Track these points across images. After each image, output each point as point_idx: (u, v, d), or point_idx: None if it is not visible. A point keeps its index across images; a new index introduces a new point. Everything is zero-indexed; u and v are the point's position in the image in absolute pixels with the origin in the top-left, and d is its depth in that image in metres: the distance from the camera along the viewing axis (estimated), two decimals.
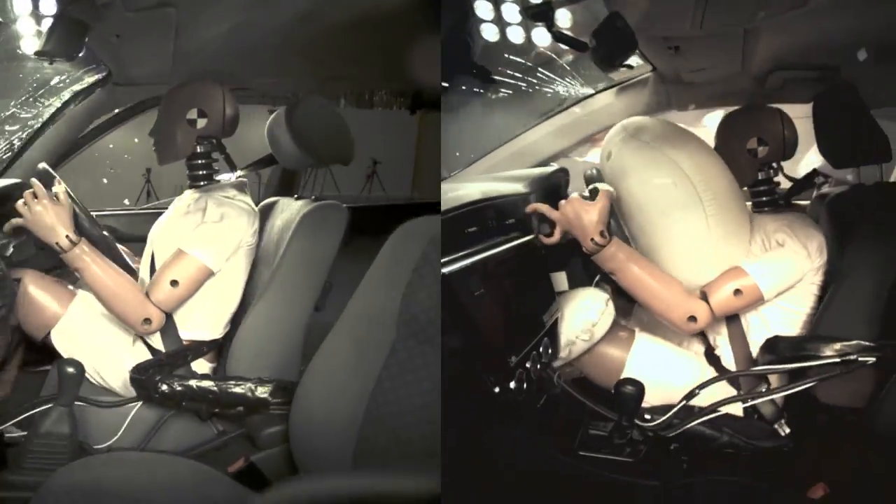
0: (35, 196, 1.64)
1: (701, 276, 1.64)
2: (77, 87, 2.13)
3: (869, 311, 1.59)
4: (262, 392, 1.64)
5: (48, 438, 1.52)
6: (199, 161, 1.88)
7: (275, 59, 2.05)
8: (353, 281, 1.31)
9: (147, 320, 1.70)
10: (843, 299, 1.62)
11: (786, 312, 1.67)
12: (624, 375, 1.65)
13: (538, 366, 1.46)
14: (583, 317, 1.65)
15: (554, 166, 1.96)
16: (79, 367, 1.55)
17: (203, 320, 1.82)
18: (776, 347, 1.60)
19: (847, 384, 1.52)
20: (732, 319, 1.68)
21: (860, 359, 1.48)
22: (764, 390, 1.62)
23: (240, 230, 1.80)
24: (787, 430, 1.62)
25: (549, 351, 1.55)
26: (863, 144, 1.77)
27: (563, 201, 1.58)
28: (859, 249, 1.66)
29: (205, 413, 1.69)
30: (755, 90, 1.97)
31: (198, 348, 1.82)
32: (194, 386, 1.63)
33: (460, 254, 1.30)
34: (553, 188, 1.78)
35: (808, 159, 2.08)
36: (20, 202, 1.64)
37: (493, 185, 1.60)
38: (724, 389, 1.65)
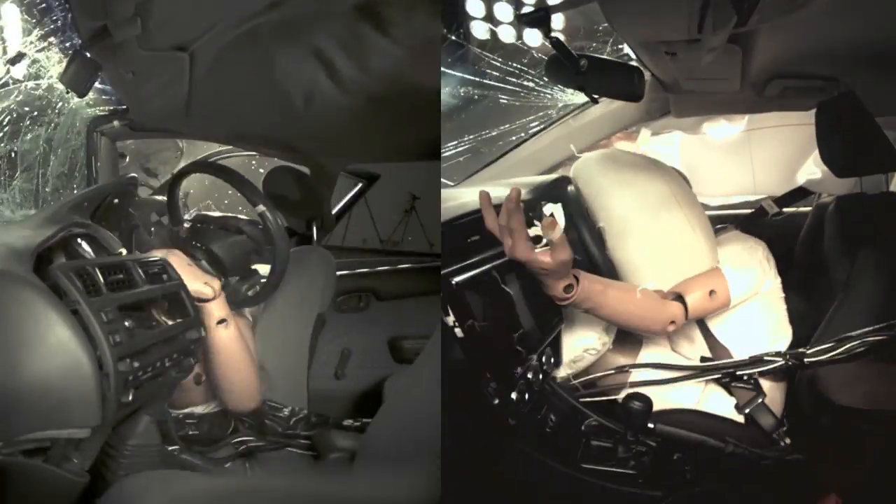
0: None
1: (684, 273, 1.64)
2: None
3: (878, 315, 1.57)
4: None
5: (140, 448, 1.44)
6: None
7: (280, 136, 2.09)
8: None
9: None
10: (852, 304, 1.63)
11: (764, 320, 1.68)
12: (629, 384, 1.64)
13: (539, 376, 1.43)
14: (587, 340, 1.64)
15: (557, 174, 1.95)
16: None
17: None
18: None
19: (863, 385, 1.52)
20: (711, 339, 1.70)
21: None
22: (761, 401, 1.62)
23: None
24: (788, 441, 1.60)
25: (552, 360, 1.53)
26: (868, 153, 1.73)
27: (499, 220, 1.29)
28: (868, 259, 1.67)
29: None
30: (754, 98, 1.96)
31: None
32: None
33: (463, 263, 1.29)
34: (557, 196, 1.75)
35: (807, 168, 2.06)
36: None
37: (496, 190, 1.57)
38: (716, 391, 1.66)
